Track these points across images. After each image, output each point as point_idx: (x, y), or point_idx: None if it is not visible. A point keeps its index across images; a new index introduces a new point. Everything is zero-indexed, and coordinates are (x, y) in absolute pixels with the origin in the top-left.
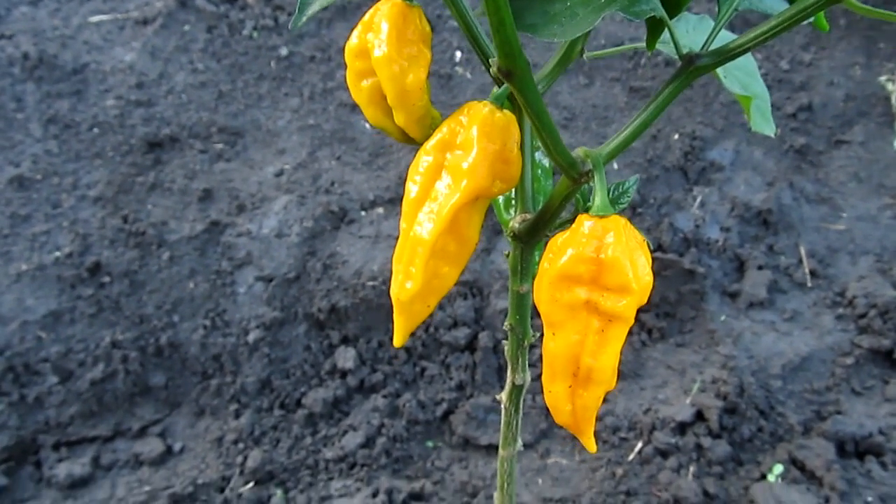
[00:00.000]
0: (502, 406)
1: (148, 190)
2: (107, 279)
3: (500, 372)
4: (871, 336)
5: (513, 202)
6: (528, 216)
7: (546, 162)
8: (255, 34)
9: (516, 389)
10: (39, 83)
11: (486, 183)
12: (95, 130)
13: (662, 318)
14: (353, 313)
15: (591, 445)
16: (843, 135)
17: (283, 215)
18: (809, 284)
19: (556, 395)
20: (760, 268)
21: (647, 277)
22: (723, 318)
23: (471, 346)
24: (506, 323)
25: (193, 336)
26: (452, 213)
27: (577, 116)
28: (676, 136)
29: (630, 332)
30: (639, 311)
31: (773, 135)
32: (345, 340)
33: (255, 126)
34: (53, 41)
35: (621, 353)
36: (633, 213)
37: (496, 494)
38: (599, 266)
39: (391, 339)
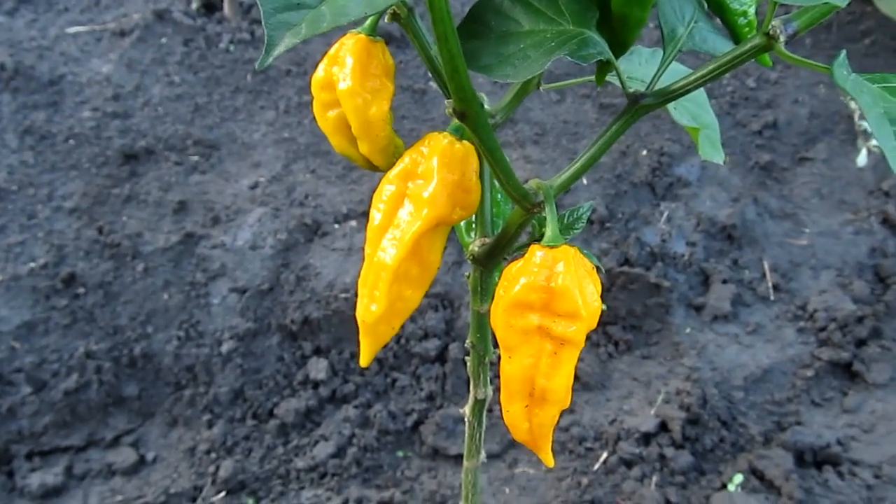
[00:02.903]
0: (466, 419)
1: (123, 201)
2: (81, 290)
3: (468, 385)
4: (831, 349)
5: (473, 226)
6: (487, 240)
7: None
8: (231, 47)
9: (479, 403)
10: (15, 94)
11: (447, 211)
12: (71, 142)
13: (629, 331)
14: (325, 325)
15: (549, 460)
16: (806, 152)
17: (258, 227)
18: (772, 298)
19: (514, 414)
20: (725, 282)
21: (595, 304)
22: (688, 330)
23: (441, 357)
24: (467, 341)
25: (167, 347)
26: (414, 239)
27: (547, 132)
28: (644, 153)
29: (597, 345)
30: (605, 323)
31: (722, 163)
32: (317, 351)
33: (231, 139)
34: (30, 52)
35: (588, 365)
36: (602, 228)
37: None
38: (550, 294)
39: None
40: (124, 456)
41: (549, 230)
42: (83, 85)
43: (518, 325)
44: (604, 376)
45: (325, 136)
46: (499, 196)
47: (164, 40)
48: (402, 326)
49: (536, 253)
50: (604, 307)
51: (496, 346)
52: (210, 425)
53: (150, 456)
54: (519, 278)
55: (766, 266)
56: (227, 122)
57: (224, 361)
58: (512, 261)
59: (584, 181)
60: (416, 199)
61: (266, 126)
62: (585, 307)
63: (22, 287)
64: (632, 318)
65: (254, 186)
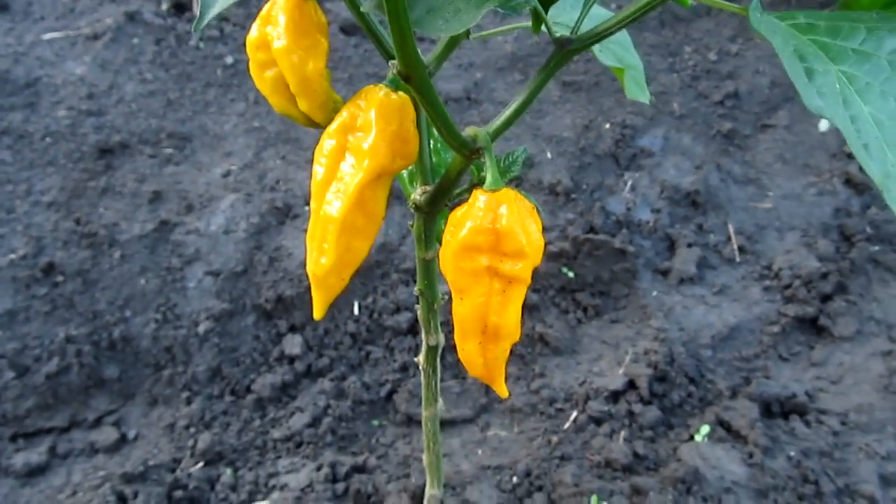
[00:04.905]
0: (420, 368)
1: (100, 194)
2: (60, 278)
3: (442, 352)
4: (797, 305)
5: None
6: (429, 188)
7: None
8: (201, 44)
9: (431, 350)
10: None
11: (387, 161)
12: (48, 139)
13: (597, 297)
14: (299, 302)
15: (504, 391)
16: (768, 119)
17: (231, 213)
18: (738, 260)
19: (469, 351)
20: (690, 245)
21: (538, 242)
22: (654, 294)
23: (413, 329)
24: (415, 289)
25: (145, 330)
26: (358, 190)
27: (522, 147)
28: (608, 126)
29: (566, 311)
30: (573, 290)
31: (647, 102)
32: (292, 328)
33: (203, 131)
34: (6, 58)
35: (558, 331)
36: (567, 199)
37: (424, 455)
38: (496, 235)
39: (337, 325)
40: (106, 435)
41: (490, 175)
42: (58, 86)
43: (468, 267)
44: (573, 341)
45: (266, 97)
46: (438, 145)
47: (135, 41)
48: (375, 301)
49: (480, 197)
50: (571, 274)
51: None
52: (189, 402)
53: (131, 434)
54: (465, 222)
55: (731, 229)
56: (198, 115)
57: (201, 341)
58: (454, 207)
59: (549, 155)
60: (357, 151)
61: (237, 117)
62: (530, 245)
63: (2, 278)
64: (599, 284)
65: (226, 174)
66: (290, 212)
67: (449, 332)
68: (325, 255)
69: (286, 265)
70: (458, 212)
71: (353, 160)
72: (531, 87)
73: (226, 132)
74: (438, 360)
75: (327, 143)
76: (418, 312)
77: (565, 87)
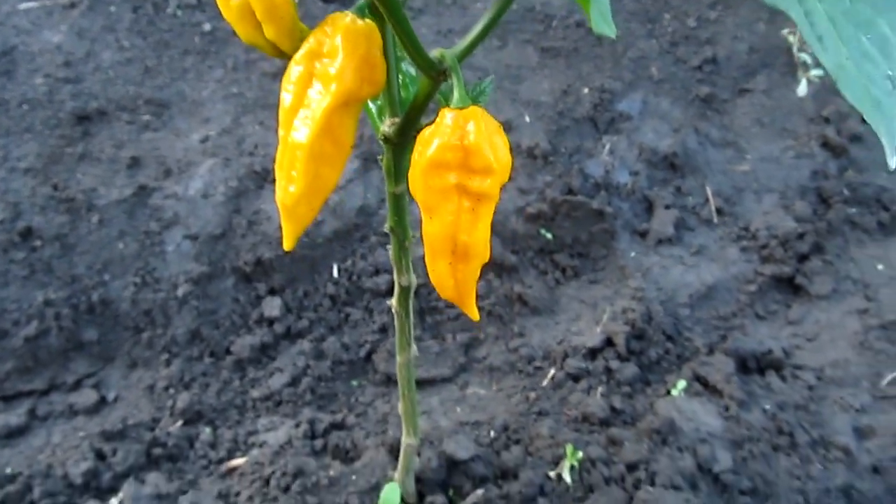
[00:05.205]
0: (393, 311)
1: (77, 160)
2: (38, 243)
3: (421, 314)
4: (774, 264)
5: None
6: (397, 120)
7: (413, 71)
8: (178, 12)
9: (404, 291)
10: None
11: (354, 86)
12: (25, 107)
13: (575, 258)
14: (278, 265)
15: (474, 314)
16: (746, 84)
17: (209, 177)
18: (715, 221)
19: (439, 272)
20: (668, 207)
21: (505, 158)
22: (632, 254)
23: (392, 291)
24: (386, 225)
25: (124, 293)
26: (326, 116)
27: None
28: (586, 91)
29: (545, 272)
30: (552, 251)
31: (613, 36)
32: (271, 291)
33: (181, 97)
34: None
35: (537, 291)
36: (545, 162)
37: (399, 403)
38: (465, 152)
39: (316, 288)
40: (86, 397)
41: (457, 93)
42: (35, 54)
43: (436, 184)
44: (552, 301)
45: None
46: (407, 80)
47: (112, 8)
48: (354, 263)
49: (447, 115)
50: (549, 235)
51: (415, 229)
52: (168, 364)
53: (111, 396)
54: (433, 140)
55: (708, 192)
56: (176, 81)
57: (180, 304)
58: (422, 130)
59: (527, 118)
60: (324, 76)
61: (215, 83)
62: (497, 161)
63: None
64: (578, 245)
65: (204, 140)
66: (268, 176)
67: (431, 299)
68: (293, 182)
69: (265, 228)
70: (427, 131)
71: (320, 86)
72: (495, 9)
73: (204, 98)
74: (411, 302)
75: (294, 69)
76: (389, 252)
77: (544, 52)
